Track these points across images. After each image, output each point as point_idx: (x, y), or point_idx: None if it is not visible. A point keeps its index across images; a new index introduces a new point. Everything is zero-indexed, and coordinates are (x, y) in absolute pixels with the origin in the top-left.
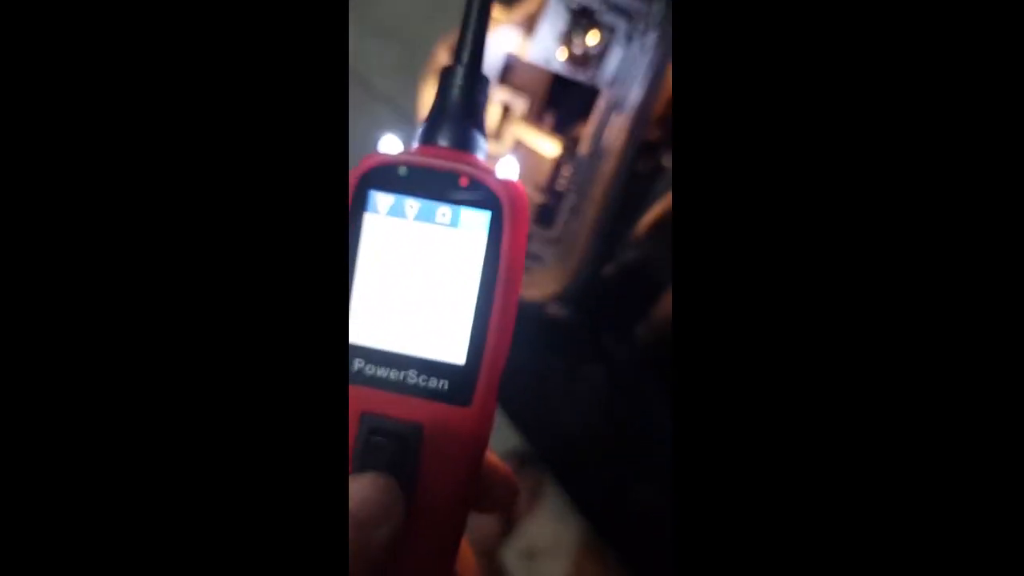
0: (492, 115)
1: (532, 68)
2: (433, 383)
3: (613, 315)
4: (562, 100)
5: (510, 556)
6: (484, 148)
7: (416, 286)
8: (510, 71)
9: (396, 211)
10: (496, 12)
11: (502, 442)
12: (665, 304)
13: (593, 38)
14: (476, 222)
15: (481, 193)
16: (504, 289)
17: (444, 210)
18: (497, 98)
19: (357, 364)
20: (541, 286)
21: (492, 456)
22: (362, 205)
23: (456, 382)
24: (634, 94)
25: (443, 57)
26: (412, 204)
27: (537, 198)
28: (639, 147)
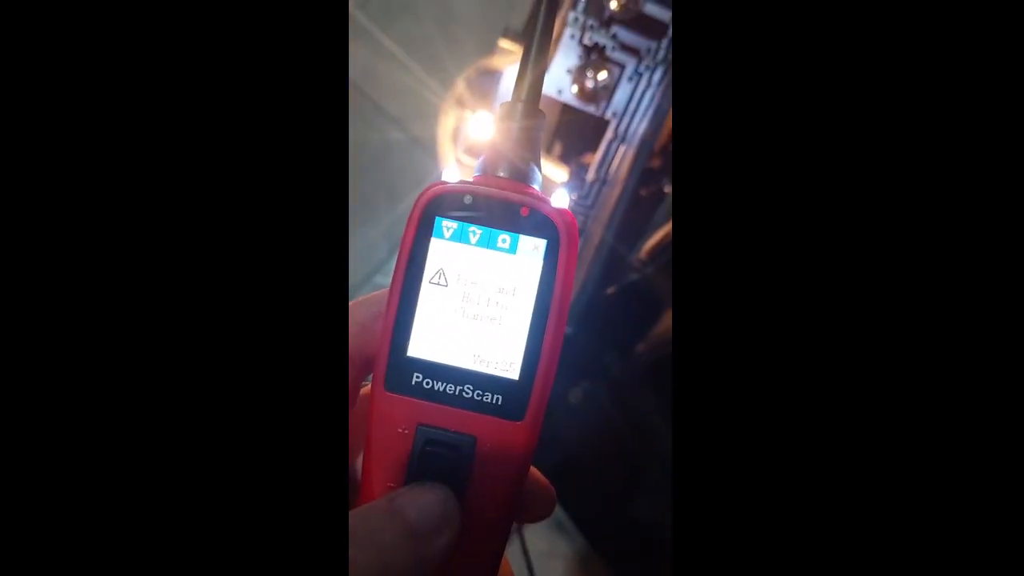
0: None
1: (544, 99)
2: (488, 398)
3: (615, 334)
4: (570, 129)
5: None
6: (539, 179)
7: (475, 307)
8: None
9: (459, 236)
10: (511, 46)
11: None
12: (665, 324)
13: (603, 74)
14: (533, 249)
15: (539, 223)
16: (556, 310)
17: (504, 237)
18: None
19: (416, 377)
20: None
21: (532, 468)
22: (429, 230)
23: (510, 397)
24: (639, 126)
25: (461, 88)
26: (475, 231)
27: None
28: (642, 175)
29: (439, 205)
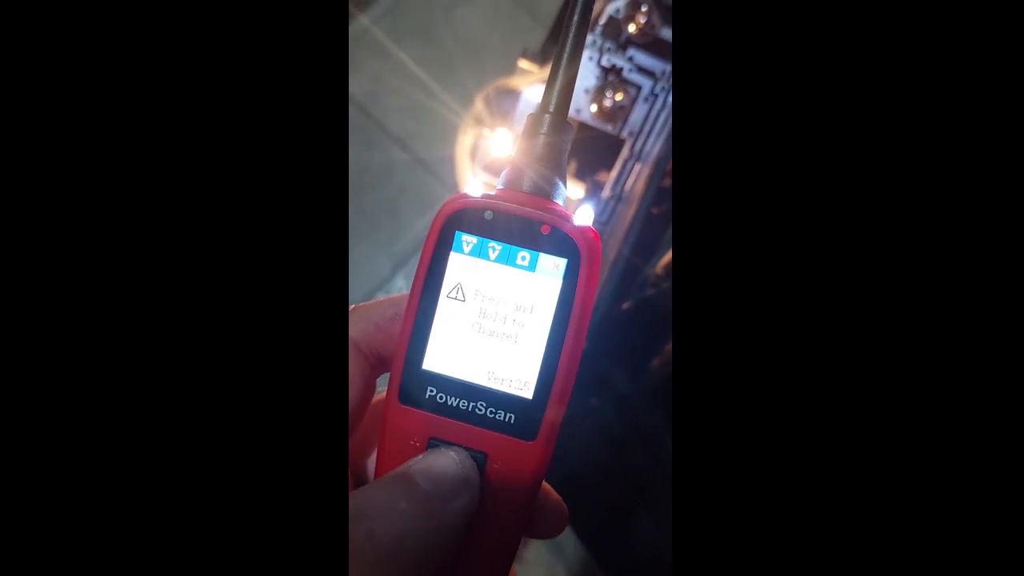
0: None
1: None
2: (500, 415)
3: (628, 349)
4: (585, 147)
5: None
6: (564, 195)
7: (492, 323)
8: None
9: (479, 252)
10: (530, 67)
11: None
12: None
13: (620, 95)
14: (553, 267)
15: (560, 241)
16: (574, 331)
17: (524, 254)
18: None
19: (429, 391)
20: None
21: (545, 484)
22: (448, 244)
23: (522, 416)
24: (654, 145)
25: (480, 107)
26: (495, 247)
27: None
28: (657, 192)
29: (460, 219)
